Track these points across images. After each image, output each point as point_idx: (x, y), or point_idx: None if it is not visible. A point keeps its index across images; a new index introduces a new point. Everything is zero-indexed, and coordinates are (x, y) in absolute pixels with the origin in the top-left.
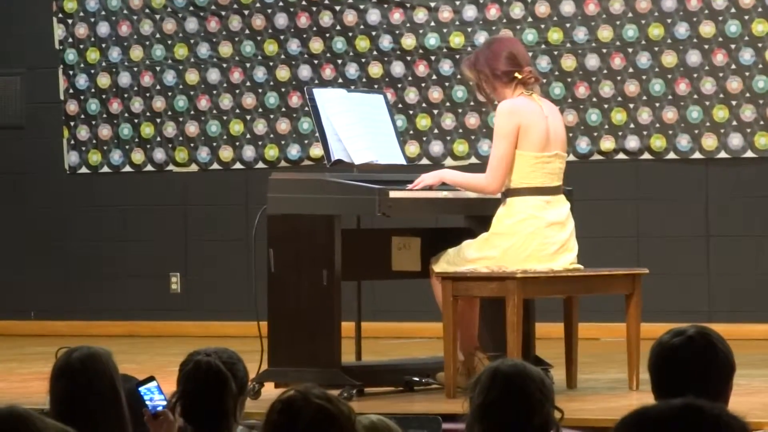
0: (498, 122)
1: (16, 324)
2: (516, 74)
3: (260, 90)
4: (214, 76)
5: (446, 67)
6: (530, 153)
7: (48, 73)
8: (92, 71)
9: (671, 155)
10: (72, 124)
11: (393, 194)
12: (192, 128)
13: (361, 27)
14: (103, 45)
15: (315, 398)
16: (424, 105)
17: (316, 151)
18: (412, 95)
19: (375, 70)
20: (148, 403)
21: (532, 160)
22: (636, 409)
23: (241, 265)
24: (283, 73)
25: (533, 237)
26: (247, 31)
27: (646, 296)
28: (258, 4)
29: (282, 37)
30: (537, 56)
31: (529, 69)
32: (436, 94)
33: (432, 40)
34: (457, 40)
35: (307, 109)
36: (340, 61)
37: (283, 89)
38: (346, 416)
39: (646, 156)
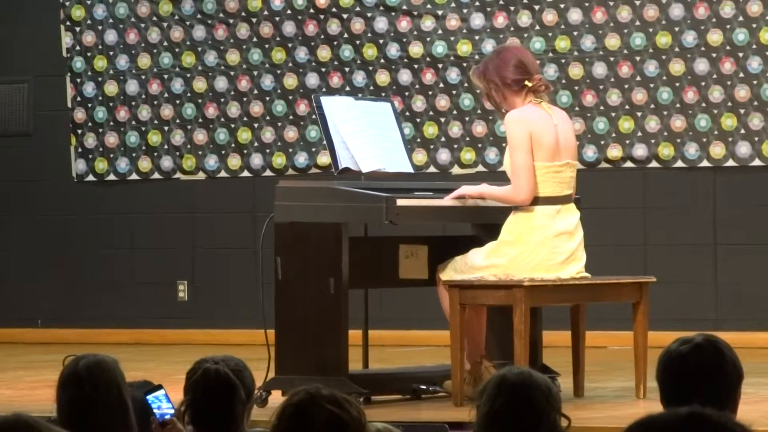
0: (510, 132)
1: (24, 332)
2: (526, 82)
3: (268, 98)
4: (221, 84)
5: (453, 75)
6: (540, 163)
7: (55, 80)
8: (100, 79)
9: (679, 163)
10: (79, 131)
11: (400, 202)
12: (200, 136)
13: (369, 35)
14: (111, 53)
15: (326, 403)
16: (431, 113)
17: (324, 159)
18: (419, 103)
19: (382, 78)
20: (155, 411)
21: (543, 170)
22: (642, 417)
23: (248, 273)
24: (290, 81)
25: (541, 246)
26: (254, 39)
27: (653, 304)
28: (266, 12)
29: (290, 44)
30: (544, 64)
31: (538, 77)
32: (443, 102)
33: (439, 48)
34: (464, 48)
35: (314, 117)
36: (347, 69)
37: (290, 97)
38: (357, 420)
39: (654, 164)
